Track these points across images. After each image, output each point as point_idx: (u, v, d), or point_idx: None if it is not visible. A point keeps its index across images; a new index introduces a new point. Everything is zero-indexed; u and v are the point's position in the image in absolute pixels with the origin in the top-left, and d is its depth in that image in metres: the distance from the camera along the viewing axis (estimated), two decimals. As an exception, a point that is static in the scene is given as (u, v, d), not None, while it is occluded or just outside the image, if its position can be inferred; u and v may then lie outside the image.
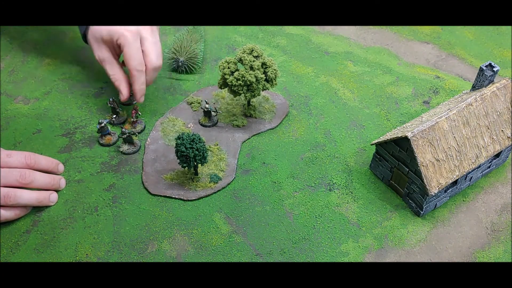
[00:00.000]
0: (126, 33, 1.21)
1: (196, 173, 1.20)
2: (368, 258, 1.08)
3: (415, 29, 1.64)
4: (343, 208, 1.17)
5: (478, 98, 1.12)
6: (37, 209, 1.14)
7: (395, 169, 1.15)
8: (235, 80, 1.22)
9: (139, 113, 1.30)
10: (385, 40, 1.60)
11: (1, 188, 1.07)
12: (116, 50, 1.28)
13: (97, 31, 1.25)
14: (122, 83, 1.29)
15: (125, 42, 1.21)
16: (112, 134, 1.28)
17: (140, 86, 1.26)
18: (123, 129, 1.24)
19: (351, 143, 1.30)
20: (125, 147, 1.25)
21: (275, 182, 1.21)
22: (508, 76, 1.42)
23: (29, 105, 1.37)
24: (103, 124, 1.24)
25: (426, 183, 1.06)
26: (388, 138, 1.11)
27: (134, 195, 1.18)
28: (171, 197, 1.17)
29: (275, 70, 1.25)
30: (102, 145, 1.27)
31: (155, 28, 1.29)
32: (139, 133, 1.29)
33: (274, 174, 1.23)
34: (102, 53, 1.27)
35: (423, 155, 1.05)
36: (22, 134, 1.29)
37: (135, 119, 1.30)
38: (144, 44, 1.24)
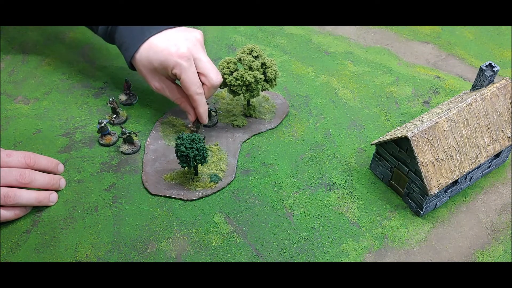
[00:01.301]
0: (181, 61, 1.16)
1: (196, 173, 1.20)
2: (368, 258, 1.08)
3: (415, 29, 1.64)
4: (343, 208, 1.17)
5: (478, 98, 1.12)
6: (37, 209, 1.14)
7: (395, 169, 1.15)
8: (234, 80, 1.22)
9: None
10: (385, 40, 1.60)
11: (1, 188, 1.07)
12: (172, 77, 1.23)
13: (147, 61, 1.21)
14: (187, 105, 1.26)
15: (181, 69, 1.17)
16: (112, 134, 1.28)
17: (203, 107, 1.23)
18: (123, 129, 1.24)
19: (351, 143, 1.30)
20: (125, 147, 1.26)
21: (275, 182, 1.21)
22: (508, 76, 1.42)
23: (29, 105, 1.37)
24: (103, 124, 1.24)
25: (426, 183, 1.06)
26: (388, 138, 1.11)
27: (134, 195, 1.18)
28: (171, 197, 1.17)
29: (274, 70, 1.25)
30: (102, 145, 1.27)
31: (202, 41, 1.24)
32: (139, 132, 1.29)
33: (274, 174, 1.23)
34: (158, 83, 1.24)
35: (423, 155, 1.05)
36: (22, 134, 1.29)
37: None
38: (199, 66, 1.20)
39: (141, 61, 1.22)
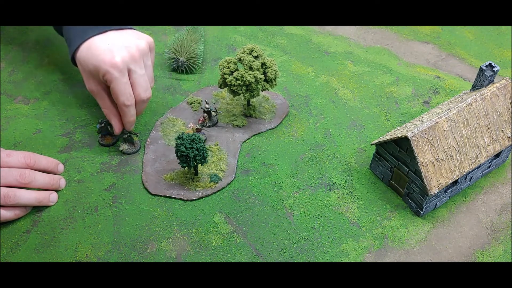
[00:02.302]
0: (112, 70, 1.12)
1: (196, 173, 1.20)
2: (368, 258, 1.08)
3: (415, 29, 1.64)
4: (343, 208, 1.17)
5: (478, 98, 1.12)
6: (37, 209, 1.14)
7: (395, 169, 1.15)
8: (234, 80, 1.22)
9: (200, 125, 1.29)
10: (385, 40, 1.60)
11: (1, 188, 1.07)
12: (104, 83, 1.19)
13: (84, 62, 1.17)
14: (113, 117, 1.22)
15: (112, 79, 1.13)
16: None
17: (129, 119, 1.20)
18: (123, 129, 1.24)
19: (351, 143, 1.30)
20: (124, 147, 1.25)
21: (275, 182, 1.21)
22: (508, 76, 1.42)
23: (29, 105, 1.37)
24: (103, 124, 1.24)
25: (426, 183, 1.06)
26: (388, 138, 1.11)
27: (134, 195, 1.18)
28: (171, 197, 1.17)
29: (275, 70, 1.25)
30: (102, 145, 1.27)
31: (146, 50, 1.19)
32: (139, 133, 1.29)
33: (274, 174, 1.23)
34: (91, 86, 1.20)
35: (423, 155, 1.05)
36: (22, 134, 1.29)
37: (200, 127, 1.28)
38: (132, 77, 1.16)
39: (79, 60, 1.18)
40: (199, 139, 1.12)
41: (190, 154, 1.11)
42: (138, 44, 1.17)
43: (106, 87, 1.20)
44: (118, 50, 1.14)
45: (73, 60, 1.22)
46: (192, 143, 1.11)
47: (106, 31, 1.17)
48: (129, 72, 1.16)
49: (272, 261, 1.07)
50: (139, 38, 1.19)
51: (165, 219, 1.14)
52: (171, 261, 1.07)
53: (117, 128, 1.23)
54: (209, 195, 1.18)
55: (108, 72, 1.13)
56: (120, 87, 1.15)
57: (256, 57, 1.24)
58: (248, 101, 1.34)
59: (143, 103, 1.21)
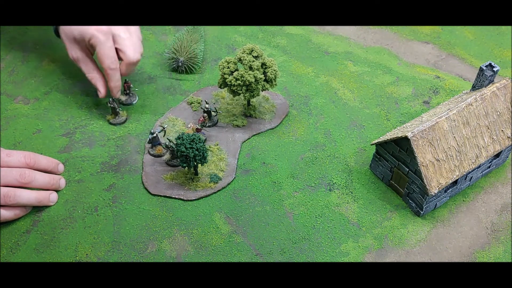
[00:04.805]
0: (97, 33, 1.21)
1: (196, 173, 1.20)
2: (368, 258, 1.08)
3: (415, 29, 1.64)
4: (343, 208, 1.17)
5: (478, 98, 1.12)
6: (37, 209, 1.14)
7: (395, 169, 1.15)
8: (234, 80, 1.22)
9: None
10: (385, 40, 1.60)
11: (1, 187, 1.07)
12: (90, 49, 1.28)
13: (69, 30, 1.25)
14: (98, 81, 1.30)
15: (97, 42, 1.22)
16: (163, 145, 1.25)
17: (115, 83, 1.27)
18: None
19: (351, 143, 1.30)
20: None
21: (275, 182, 1.21)
22: (508, 76, 1.41)
23: (29, 105, 1.37)
24: (155, 135, 1.22)
25: (426, 183, 1.06)
26: (388, 138, 1.11)
27: (134, 195, 1.18)
28: (171, 197, 1.17)
29: (275, 70, 1.25)
30: (152, 155, 1.24)
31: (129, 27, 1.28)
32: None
33: (274, 174, 1.23)
34: (75, 53, 1.28)
35: (423, 155, 1.05)
36: (22, 134, 1.29)
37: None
38: (118, 42, 1.24)
39: (63, 28, 1.26)
40: (199, 139, 1.12)
41: (190, 154, 1.11)
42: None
43: (90, 53, 1.30)
44: None
45: (56, 32, 1.31)
46: (192, 143, 1.11)
47: None
48: (115, 37, 1.24)
49: (272, 261, 1.08)
50: None
51: (165, 219, 1.14)
52: (171, 261, 1.07)
53: (102, 91, 1.31)
54: (209, 195, 1.18)
55: (93, 36, 1.21)
56: (105, 51, 1.22)
57: (256, 57, 1.24)
58: (248, 101, 1.34)
59: (131, 65, 1.28)
